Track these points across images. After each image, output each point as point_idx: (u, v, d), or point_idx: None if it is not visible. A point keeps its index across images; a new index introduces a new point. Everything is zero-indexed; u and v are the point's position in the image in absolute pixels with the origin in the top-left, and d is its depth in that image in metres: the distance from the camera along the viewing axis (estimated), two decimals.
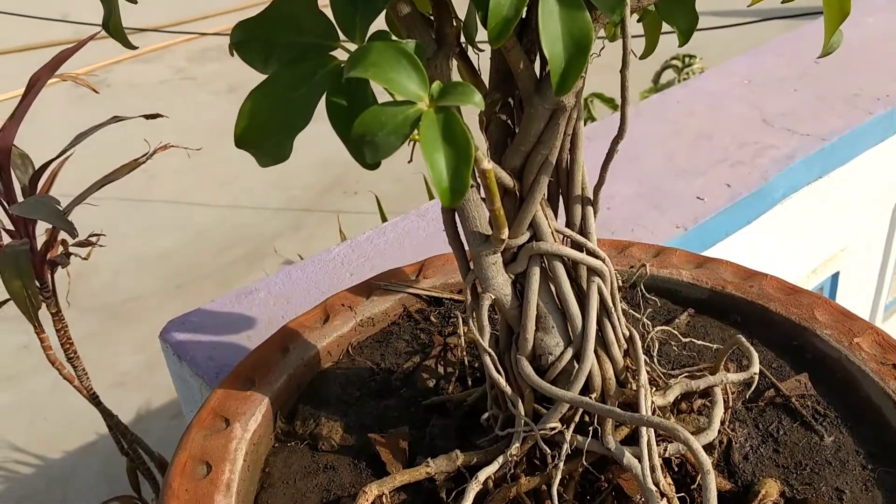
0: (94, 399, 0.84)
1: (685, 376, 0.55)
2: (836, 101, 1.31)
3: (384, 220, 1.80)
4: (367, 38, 0.42)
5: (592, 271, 0.52)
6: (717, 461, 0.57)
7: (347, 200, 2.90)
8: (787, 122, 1.25)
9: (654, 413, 0.51)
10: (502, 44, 0.41)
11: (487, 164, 0.45)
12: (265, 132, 0.45)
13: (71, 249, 0.72)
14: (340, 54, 0.45)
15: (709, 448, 0.56)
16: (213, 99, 3.71)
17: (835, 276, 1.52)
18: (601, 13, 0.43)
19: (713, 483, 0.44)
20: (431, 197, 1.71)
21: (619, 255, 0.74)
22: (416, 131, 0.40)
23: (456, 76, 0.50)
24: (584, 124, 0.49)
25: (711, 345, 0.59)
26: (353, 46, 0.44)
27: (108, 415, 0.87)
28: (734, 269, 0.72)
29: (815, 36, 1.55)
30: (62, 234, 0.72)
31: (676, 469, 0.53)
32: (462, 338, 0.65)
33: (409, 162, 0.47)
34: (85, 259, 0.71)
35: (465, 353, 0.65)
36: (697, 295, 0.71)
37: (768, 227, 1.16)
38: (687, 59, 2.23)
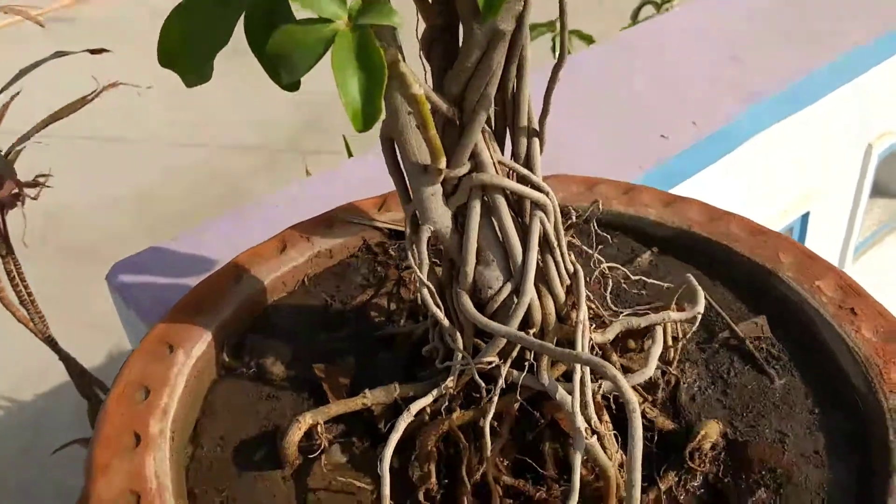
0: (51, 342, 0.84)
1: (629, 314, 0.53)
2: (807, 39, 1.27)
3: (350, 154, 1.76)
4: None
5: (535, 205, 0.50)
6: (663, 401, 0.56)
7: (319, 139, 2.87)
8: (757, 60, 1.21)
9: (592, 351, 0.50)
10: None
11: (417, 89, 0.43)
12: (186, 52, 0.44)
13: (27, 192, 0.71)
14: None
15: (652, 388, 0.56)
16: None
17: (805, 217, 1.50)
18: None
19: (639, 421, 0.43)
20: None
21: (587, 192, 0.73)
22: None
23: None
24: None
25: (662, 283, 0.58)
26: None
27: (64, 358, 0.87)
28: (702, 208, 0.70)
29: None
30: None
31: (616, 409, 0.52)
32: (418, 272, 0.64)
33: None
34: (34, 199, 0.70)
35: (417, 286, 0.64)
36: (663, 234, 0.69)
37: (736, 166, 1.13)
38: None
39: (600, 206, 0.60)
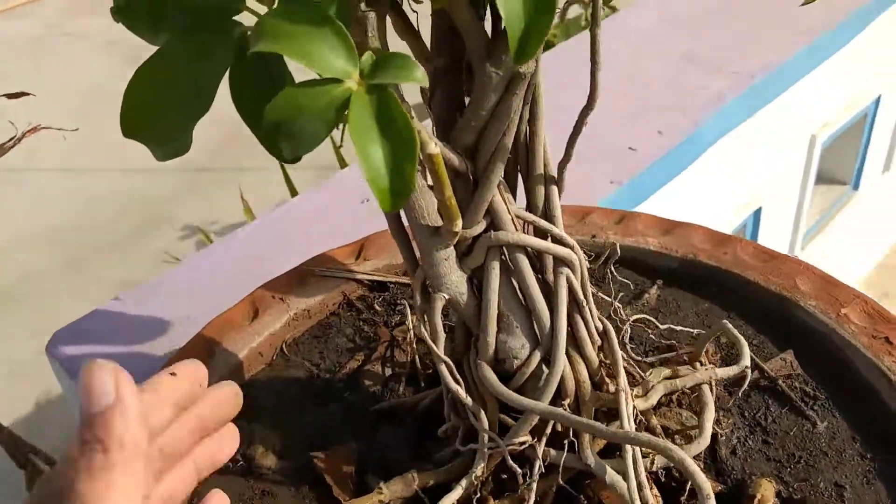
0: None
1: (666, 374, 0.48)
2: (760, 37, 1.25)
3: (287, 178, 1.66)
4: None
5: (559, 261, 0.45)
6: (704, 457, 0.51)
7: (246, 157, 2.74)
8: (713, 60, 1.18)
9: (636, 419, 0.45)
10: (443, 2, 0.33)
11: (434, 148, 0.37)
12: (158, 119, 0.37)
13: None
14: (248, 19, 0.37)
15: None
16: (91, 56, 3.46)
17: (757, 212, 1.50)
18: None
19: None
20: (340, 158, 1.60)
21: (578, 224, 0.67)
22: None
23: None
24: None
25: (691, 330, 0.53)
26: (263, 9, 0.35)
27: None
28: (705, 233, 0.65)
29: None
30: None
31: (662, 477, 0.47)
32: (412, 330, 0.58)
33: (339, 147, 0.39)
34: None
35: (414, 347, 0.58)
36: (667, 264, 0.65)
37: (699, 172, 1.10)
38: None
39: (618, 250, 0.55)
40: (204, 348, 0.57)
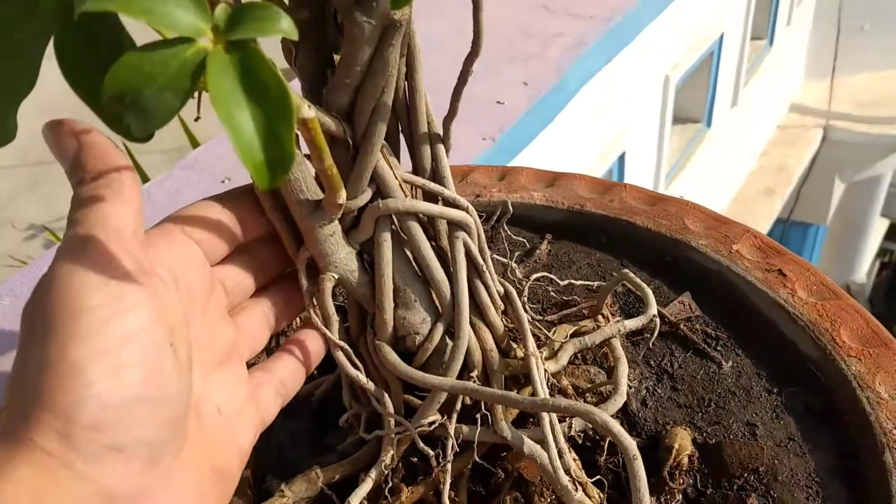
0: None
1: (570, 332, 0.46)
2: None
3: (135, 164, 1.56)
4: None
5: (454, 225, 0.41)
6: (615, 413, 0.49)
7: None
8: (568, 6, 1.17)
9: (549, 383, 0.43)
10: None
11: (309, 111, 0.32)
12: None
13: None
14: None
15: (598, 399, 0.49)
16: None
17: (621, 157, 1.53)
18: None
19: (642, 470, 0.36)
20: (191, 137, 1.51)
21: (461, 184, 0.64)
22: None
23: None
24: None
25: (591, 283, 0.51)
26: None
27: None
28: (589, 182, 0.64)
29: None
30: None
31: (578, 439, 0.45)
32: (298, 318, 0.54)
33: (196, 119, 0.34)
34: None
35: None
36: (554, 217, 0.62)
37: (566, 121, 1.09)
38: None
39: (510, 208, 0.52)
40: None
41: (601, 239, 0.61)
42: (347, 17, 0.35)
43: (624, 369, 0.45)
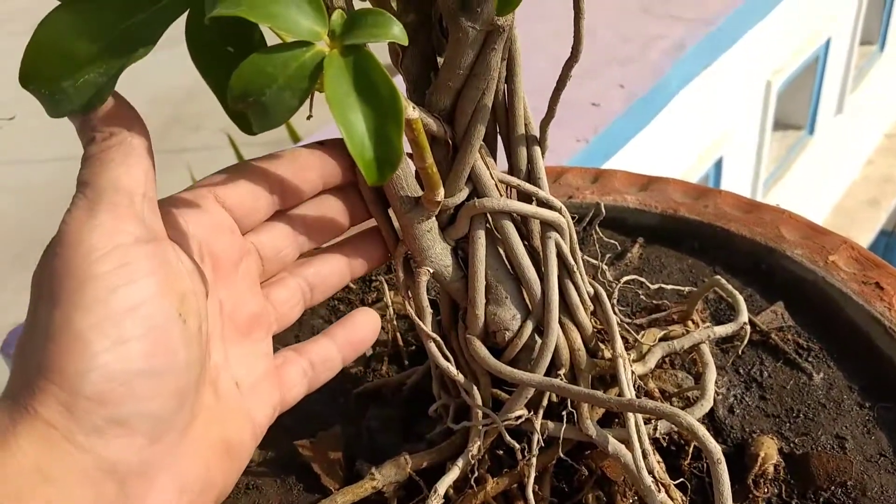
0: None
1: (660, 335, 0.46)
2: None
3: (239, 157, 1.61)
4: None
5: (547, 225, 0.42)
6: (702, 419, 0.50)
7: (191, 137, 2.64)
8: (668, 9, 1.16)
9: (635, 385, 0.43)
10: None
11: (413, 112, 0.34)
12: (68, 66, 0.31)
13: None
14: None
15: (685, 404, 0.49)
16: (16, 40, 3.31)
17: (718, 162, 1.50)
18: None
19: (726, 475, 0.37)
20: (292, 131, 1.55)
21: (554, 185, 0.65)
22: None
23: None
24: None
25: (681, 288, 0.51)
26: None
27: None
28: (683, 187, 0.64)
29: None
30: None
31: (664, 442, 0.46)
32: (390, 307, 0.56)
33: (308, 118, 0.36)
34: None
35: (395, 325, 0.55)
36: (647, 221, 0.63)
37: (663, 124, 1.08)
38: None
39: (602, 210, 0.52)
40: None
41: (694, 244, 0.61)
42: (452, 22, 0.36)
43: (712, 375, 0.45)
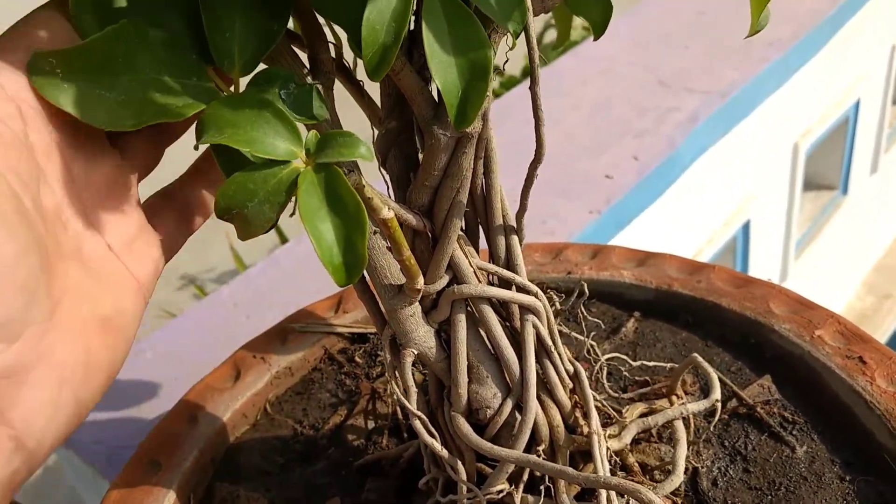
0: None
1: (641, 410, 0.49)
2: (729, 53, 1.27)
3: (280, 233, 1.66)
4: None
5: (525, 308, 0.45)
6: (685, 490, 0.51)
7: None
8: (683, 81, 1.19)
9: (610, 459, 0.46)
10: (382, 76, 0.34)
11: (388, 213, 0.37)
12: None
13: None
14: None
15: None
16: None
17: (746, 225, 1.51)
18: (498, 24, 0.36)
19: None
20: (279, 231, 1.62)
21: (553, 261, 0.68)
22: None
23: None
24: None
25: (665, 364, 0.53)
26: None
27: None
28: (679, 263, 0.66)
29: None
30: None
31: None
32: (391, 382, 0.59)
33: (290, 216, 0.40)
34: None
35: (395, 399, 0.58)
36: (643, 296, 0.65)
37: (679, 193, 1.11)
38: None
39: (586, 290, 0.55)
40: (185, 416, 0.58)
41: (688, 319, 0.64)
42: (427, 129, 0.40)
43: (682, 451, 0.47)
